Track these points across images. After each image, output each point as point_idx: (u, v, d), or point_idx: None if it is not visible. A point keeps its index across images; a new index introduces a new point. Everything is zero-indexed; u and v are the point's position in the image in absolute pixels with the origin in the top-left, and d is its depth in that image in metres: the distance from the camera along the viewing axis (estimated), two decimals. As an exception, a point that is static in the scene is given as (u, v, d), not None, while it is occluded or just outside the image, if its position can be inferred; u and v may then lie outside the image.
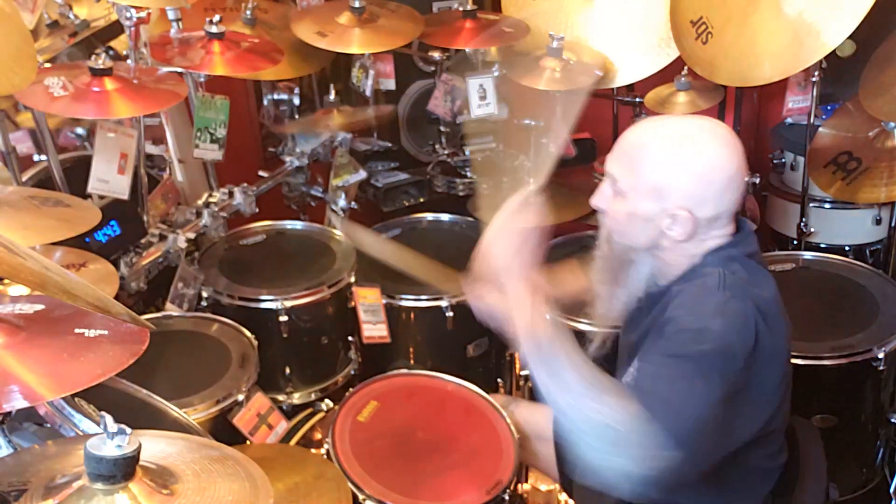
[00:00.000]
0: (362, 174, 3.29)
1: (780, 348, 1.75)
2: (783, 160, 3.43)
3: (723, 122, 1.80)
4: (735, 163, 1.71)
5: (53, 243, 2.04)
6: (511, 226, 1.85)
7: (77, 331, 1.37)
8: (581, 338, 2.32)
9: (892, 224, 3.11)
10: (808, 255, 2.94)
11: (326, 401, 2.78)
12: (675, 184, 1.70)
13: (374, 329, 2.84)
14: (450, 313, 2.86)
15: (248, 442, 2.36)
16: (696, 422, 1.59)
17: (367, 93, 3.25)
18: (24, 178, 2.66)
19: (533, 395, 2.35)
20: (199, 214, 2.81)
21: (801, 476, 1.85)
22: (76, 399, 1.62)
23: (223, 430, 2.31)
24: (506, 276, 1.80)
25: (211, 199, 2.86)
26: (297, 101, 3.25)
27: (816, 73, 2.86)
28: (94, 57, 2.31)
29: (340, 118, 3.16)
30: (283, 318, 2.70)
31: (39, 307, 1.42)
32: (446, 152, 3.42)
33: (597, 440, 1.59)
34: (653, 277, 1.84)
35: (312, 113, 3.32)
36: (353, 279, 2.86)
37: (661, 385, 1.61)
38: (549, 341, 1.68)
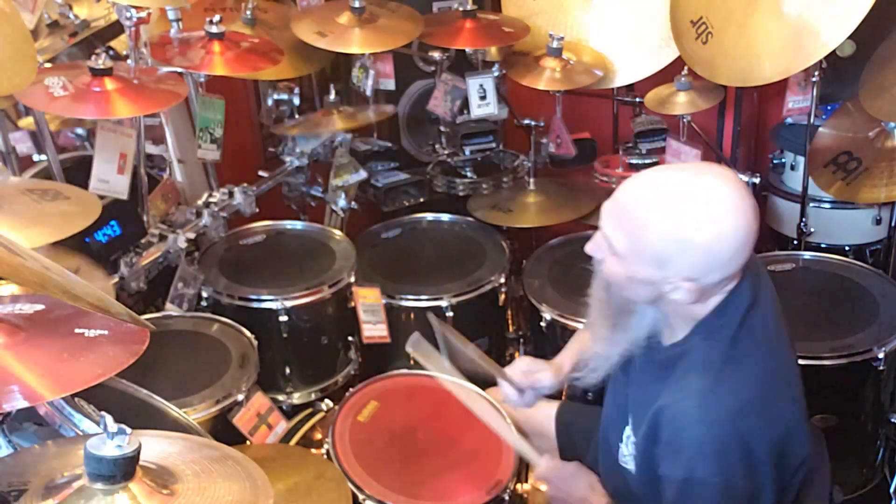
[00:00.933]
0: (362, 174, 3.29)
1: (789, 419, 1.70)
2: (783, 160, 3.42)
3: (731, 173, 1.62)
4: (744, 228, 1.56)
5: (56, 242, 2.04)
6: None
7: (77, 331, 1.37)
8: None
9: (892, 224, 3.11)
10: (808, 255, 2.94)
11: (326, 401, 2.78)
12: (679, 257, 1.57)
13: (374, 329, 2.84)
14: (450, 313, 2.86)
15: (247, 442, 2.36)
16: None
17: (368, 93, 3.25)
18: (25, 177, 2.65)
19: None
20: (199, 214, 2.81)
21: (806, 479, 1.84)
22: (76, 399, 1.62)
23: (223, 430, 2.31)
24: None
25: (211, 199, 2.86)
26: (297, 101, 3.24)
27: (816, 73, 2.85)
28: (94, 57, 2.31)
29: (341, 120, 3.15)
30: (283, 318, 2.71)
31: (39, 307, 1.42)
32: (446, 152, 3.42)
33: None
34: (656, 330, 1.74)
35: (313, 113, 3.32)
36: (353, 279, 2.86)
37: None
38: None
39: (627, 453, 1.81)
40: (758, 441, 1.61)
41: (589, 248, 1.72)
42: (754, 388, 1.64)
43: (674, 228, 1.56)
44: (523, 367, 2.11)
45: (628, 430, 1.80)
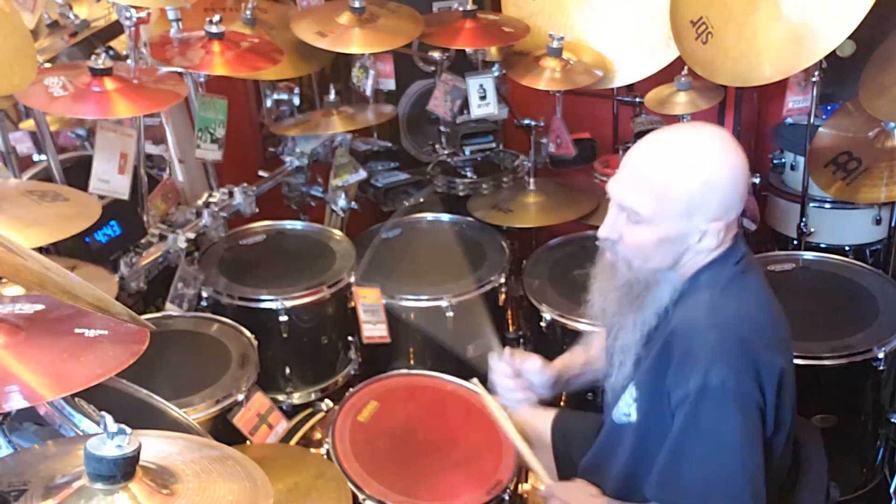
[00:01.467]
0: (362, 174, 3.29)
1: (784, 357, 1.73)
2: (783, 160, 3.42)
3: (711, 124, 1.77)
4: (742, 157, 1.69)
5: (56, 242, 2.04)
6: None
7: (77, 331, 1.37)
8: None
9: (892, 224, 3.11)
10: (808, 255, 2.94)
11: (326, 401, 2.78)
12: (707, 199, 1.66)
13: (374, 329, 2.84)
14: (450, 313, 2.85)
15: (248, 442, 2.36)
16: (751, 481, 1.62)
17: (368, 93, 3.25)
18: (25, 177, 2.66)
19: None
20: (198, 214, 2.81)
21: (801, 476, 1.84)
22: (76, 399, 1.62)
23: (223, 430, 2.31)
24: None
25: (211, 199, 2.86)
26: (297, 100, 3.24)
27: (816, 73, 2.85)
28: (94, 57, 2.32)
29: (340, 122, 3.15)
30: (283, 318, 2.70)
31: (39, 307, 1.42)
32: (446, 152, 3.42)
33: None
34: (674, 295, 1.76)
35: (312, 112, 3.31)
36: (352, 279, 2.86)
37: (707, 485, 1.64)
38: None
39: (628, 403, 1.80)
40: (764, 356, 1.65)
41: (602, 231, 1.78)
42: (757, 305, 1.72)
43: (698, 175, 1.65)
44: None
45: (630, 383, 1.81)
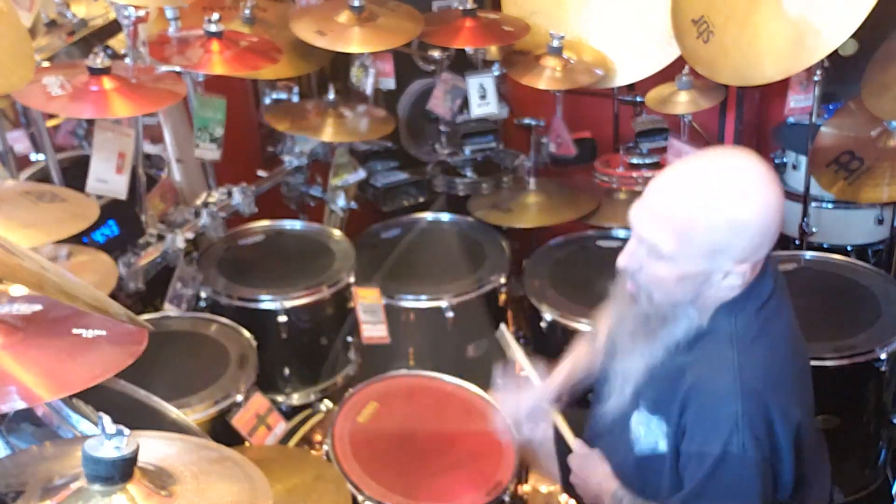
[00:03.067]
0: (362, 174, 3.28)
1: (807, 398, 1.74)
2: (785, 160, 3.42)
3: (744, 150, 1.66)
4: (780, 197, 1.62)
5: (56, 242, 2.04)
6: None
7: (75, 331, 1.37)
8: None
9: (895, 224, 3.10)
10: (809, 255, 2.93)
11: (326, 401, 2.77)
12: (733, 241, 1.59)
13: (374, 329, 2.83)
14: (450, 314, 2.85)
15: (246, 443, 2.35)
16: None
17: (368, 92, 3.24)
18: (22, 177, 2.65)
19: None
20: (197, 214, 2.80)
21: (805, 479, 1.83)
22: (74, 400, 1.61)
23: (222, 431, 2.30)
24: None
25: (209, 199, 2.85)
26: (296, 99, 3.24)
27: (818, 73, 2.84)
28: (92, 56, 2.31)
29: (333, 129, 3.12)
30: (283, 319, 2.70)
31: (37, 307, 1.41)
32: (446, 152, 3.41)
33: None
34: (690, 331, 1.72)
35: (308, 106, 3.29)
36: (352, 279, 2.85)
37: None
38: None
39: (655, 433, 1.78)
40: (783, 419, 1.63)
41: (622, 261, 1.70)
42: (781, 362, 1.68)
43: (723, 215, 1.57)
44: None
45: (642, 415, 1.79)
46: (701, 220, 1.58)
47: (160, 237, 2.68)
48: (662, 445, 1.77)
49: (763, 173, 1.60)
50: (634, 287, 1.72)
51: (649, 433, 1.78)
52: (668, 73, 3.07)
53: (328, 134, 3.08)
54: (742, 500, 1.64)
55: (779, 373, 1.67)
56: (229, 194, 2.90)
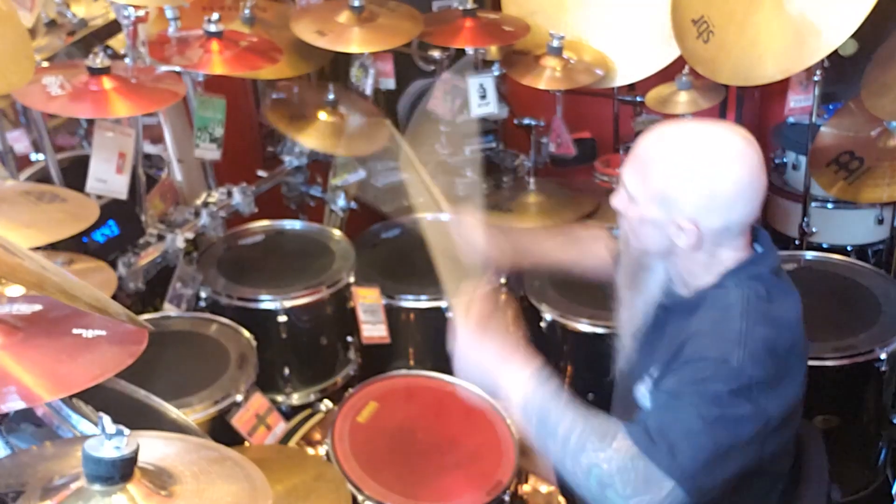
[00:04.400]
0: (362, 174, 3.28)
1: (800, 371, 1.72)
2: (785, 160, 3.42)
3: (742, 129, 1.71)
4: (747, 174, 1.64)
5: (54, 242, 2.03)
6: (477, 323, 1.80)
7: (75, 331, 1.36)
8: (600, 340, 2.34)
9: (895, 224, 3.10)
10: (809, 255, 2.93)
11: (326, 401, 2.77)
12: (681, 195, 1.65)
13: (374, 329, 2.83)
14: (450, 313, 2.84)
15: (246, 443, 2.35)
16: (703, 465, 1.55)
17: (368, 92, 3.24)
18: (22, 177, 2.65)
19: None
20: (197, 214, 2.80)
21: (803, 478, 1.83)
22: (74, 400, 1.61)
23: (222, 431, 2.30)
24: (488, 363, 1.76)
25: (209, 199, 2.85)
26: (296, 100, 3.23)
27: (818, 73, 2.85)
28: (92, 56, 2.31)
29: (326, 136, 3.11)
30: (282, 319, 2.70)
31: (37, 307, 1.41)
32: (446, 152, 3.41)
33: (597, 489, 1.56)
34: (669, 284, 1.80)
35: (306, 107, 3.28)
36: (352, 279, 2.85)
37: (669, 429, 1.56)
38: (538, 402, 1.65)
39: (644, 395, 1.78)
40: (788, 363, 1.65)
41: (612, 201, 1.82)
42: (790, 311, 1.71)
43: (677, 167, 1.66)
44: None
45: (644, 384, 1.79)
46: (657, 165, 1.68)
47: (160, 237, 2.68)
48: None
49: (740, 151, 1.65)
50: (621, 231, 1.84)
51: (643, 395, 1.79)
52: (668, 73, 3.07)
53: (320, 144, 3.06)
54: (714, 415, 1.56)
55: (790, 327, 1.70)
56: (229, 194, 2.90)
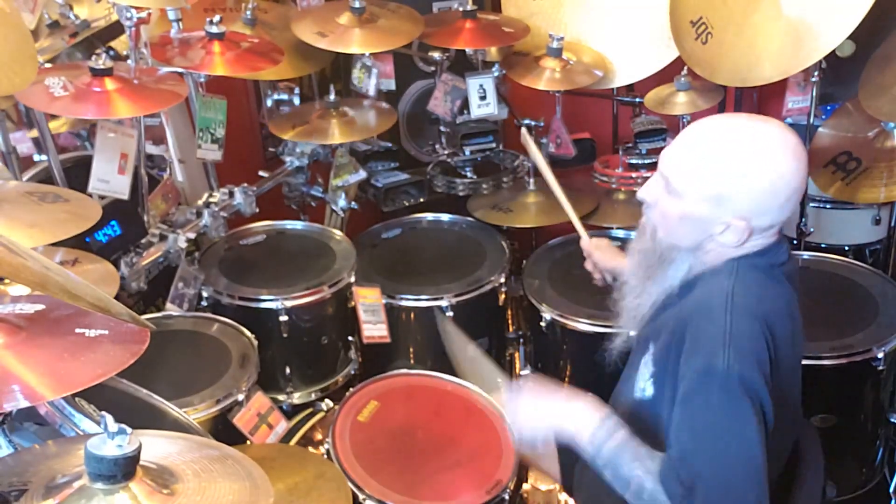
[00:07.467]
0: (362, 174, 3.29)
1: (792, 362, 1.73)
2: (783, 160, 3.42)
3: (790, 129, 1.70)
4: (801, 175, 1.65)
5: (56, 243, 2.04)
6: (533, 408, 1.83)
7: (78, 331, 1.37)
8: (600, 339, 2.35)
9: (892, 224, 3.11)
10: (807, 255, 2.94)
11: (326, 401, 2.78)
12: (739, 195, 1.64)
13: (374, 329, 2.84)
14: (450, 313, 2.86)
15: (248, 442, 2.36)
16: (752, 468, 1.56)
17: (371, 93, 3.24)
18: (25, 178, 2.66)
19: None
20: (199, 214, 2.81)
21: (798, 475, 1.84)
22: (77, 399, 1.62)
23: (223, 430, 2.31)
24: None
25: (211, 199, 2.86)
26: (297, 101, 3.24)
27: (816, 74, 2.85)
28: (94, 57, 2.32)
29: (339, 130, 3.11)
30: (284, 318, 2.71)
31: (40, 307, 1.42)
32: (446, 152, 3.42)
33: None
34: (687, 279, 1.78)
35: (309, 109, 3.30)
36: (353, 279, 2.86)
37: (703, 455, 1.57)
38: (607, 454, 1.68)
39: (645, 378, 1.79)
40: (778, 352, 1.63)
41: (641, 192, 1.79)
42: (776, 304, 1.69)
43: (737, 166, 1.63)
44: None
45: (647, 357, 1.80)
46: (714, 164, 1.65)
47: (162, 237, 2.69)
48: (649, 391, 1.79)
49: (794, 148, 1.65)
50: (646, 221, 1.80)
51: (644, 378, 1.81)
52: (666, 74, 3.08)
53: (335, 136, 3.06)
54: (731, 430, 1.57)
55: (777, 318, 1.67)
56: (231, 194, 2.91)
